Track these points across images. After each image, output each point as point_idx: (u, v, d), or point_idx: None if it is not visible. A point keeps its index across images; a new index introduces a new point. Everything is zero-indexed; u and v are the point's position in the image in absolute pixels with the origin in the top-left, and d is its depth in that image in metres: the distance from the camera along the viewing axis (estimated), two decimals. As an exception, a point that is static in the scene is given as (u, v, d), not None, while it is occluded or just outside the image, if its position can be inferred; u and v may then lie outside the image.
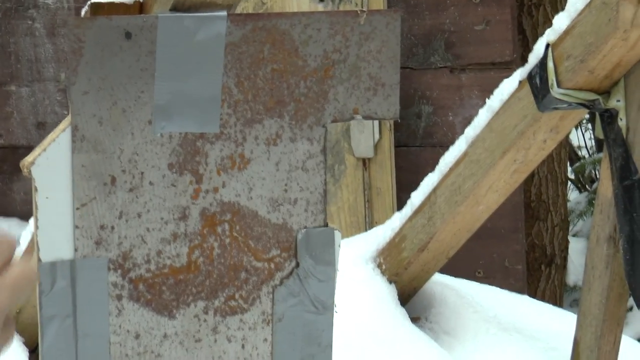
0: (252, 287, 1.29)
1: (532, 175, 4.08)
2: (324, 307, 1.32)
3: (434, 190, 2.04)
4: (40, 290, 1.19)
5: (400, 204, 2.34)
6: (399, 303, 2.23)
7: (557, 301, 4.47)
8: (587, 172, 5.28)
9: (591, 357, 1.78)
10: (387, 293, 2.21)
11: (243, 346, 1.29)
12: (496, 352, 2.14)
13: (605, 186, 1.71)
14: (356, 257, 2.29)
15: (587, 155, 5.37)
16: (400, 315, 2.17)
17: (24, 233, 1.97)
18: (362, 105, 1.27)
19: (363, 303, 2.15)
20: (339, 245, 1.33)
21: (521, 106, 1.82)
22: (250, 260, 1.28)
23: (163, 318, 1.25)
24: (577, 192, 5.49)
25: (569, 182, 5.30)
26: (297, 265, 1.30)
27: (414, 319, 2.30)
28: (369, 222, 3.11)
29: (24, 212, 3.17)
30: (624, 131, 1.65)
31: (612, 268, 1.70)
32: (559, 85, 1.67)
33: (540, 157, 1.92)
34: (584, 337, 1.79)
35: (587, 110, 1.74)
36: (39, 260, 1.18)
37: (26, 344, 1.88)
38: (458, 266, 2.87)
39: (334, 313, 1.34)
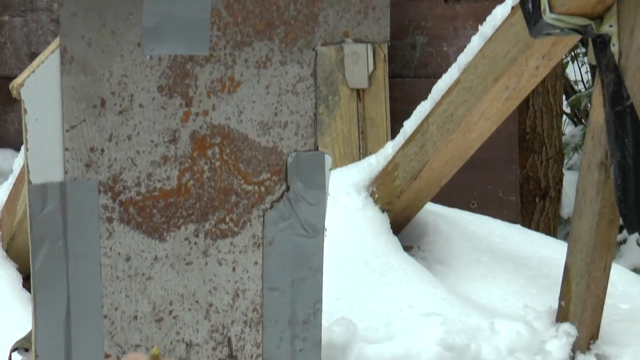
0: (243, 210, 1.29)
1: (526, 107, 4.07)
2: (315, 231, 1.33)
3: (427, 118, 2.03)
4: (31, 212, 1.20)
5: (394, 135, 2.34)
6: (391, 231, 2.23)
7: (550, 233, 4.48)
8: (582, 105, 5.27)
9: (581, 283, 1.79)
10: (379, 221, 2.22)
11: (234, 269, 1.30)
12: (488, 280, 2.15)
13: (597, 112, 1.71)
14: (349, 186, 2.29)
15: (583, 90, 5.36)
16: (392, 243, 2.18)
17: (17, 161, 1.97)
18: (353, 29, 1.27)
19: (355, 231, 2.15)
20: (330, 169, 1.33)
21: (513, 32, 1.81)
22: (241, 183, 1.28)
23: (153, 241, 1.25)
24: (572, 125, 5.48)
25: (565, 116, 5.29)
26: (288, 188, 1.31)
27: (407, 248, 2.30)
28: (363, 153, 3.11)
29: (18, 143, 3.16)
30: (616, 57, 1.64)
31: (603, 194, 1.71)
32: (551, 10, 1.65)
33: (533, 84, 1.91)
34: (575, 264, 1.80)
35: (580, 36, 1.73)
36: (29, 182, 1.18)
37: (20, 270, 1.89)
38: (452, 198, 2.88)
39: (324, 237, 1.34)
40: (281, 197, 1.30)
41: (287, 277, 1.33)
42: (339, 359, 1.66)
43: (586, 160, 1.75)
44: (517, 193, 4.06)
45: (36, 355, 1.24)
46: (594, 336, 1.84)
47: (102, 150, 1.20)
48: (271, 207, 1.30)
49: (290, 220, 1.31)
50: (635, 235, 5.58)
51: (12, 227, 1.83)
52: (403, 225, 2.36)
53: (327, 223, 1.38)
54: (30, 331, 1.29)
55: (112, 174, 1.21)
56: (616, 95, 1.62)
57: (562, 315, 1.84)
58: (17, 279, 1.87)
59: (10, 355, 1.52)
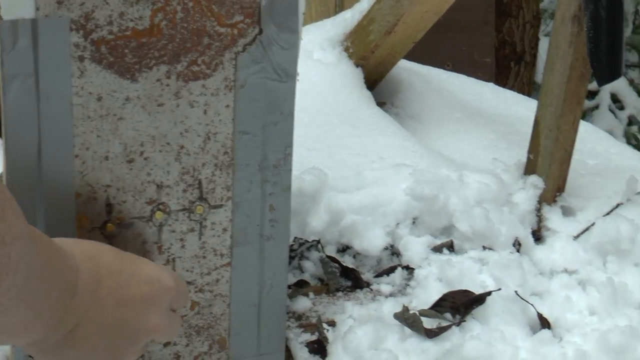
0: (215, 52, 1.29)
1: (505, -31, 4.04)
2: (287, 75, 1.33)
3: (403, -30, 2.03)
4: (2, 48, 1.19)
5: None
6: (365, 87, 2.24)
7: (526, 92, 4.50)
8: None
9: (550, 136, 1.81)
10: (353, 76, 2.22)
11: (205, 111, 1.30)
12: (459, 135, 2.17)
13: (572, -36, 1.70)
14: (324, 40, 2.28)
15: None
16: (366, 98, 2.18)
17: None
18: None
19: (329, 85, 2.16)
20: (303, 13, 1.33)
21: None
22: (214, 25, 1.27)
23: (125, 81, 1.25)
24: (551, -10, 5.46)
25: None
26: (261, 32, 1.30)
27: (380, 104, 2.31)
28: (339, 12, 3.09)
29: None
30: None
31: (575, 47, 1.71)
32: None
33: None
34: (544, 117, 1.81)
35: None
36: (0, 18, 1.17)
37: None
38: (427, 59, 2.88)
39: (297, 82, 1.35)
40: (254, 40, 1.30)
41: (259, 121, 1.34)
42: (309, 206, 1.69)
43: (560, 13, 1.75)
44: (492, 55, 4.06)
45: (8, 193, 1.25)
46: (560, 189, 1.87)
47: (73, -13, 1.19)
48: (244, 50, 1.30)
49: (262, 63, 1.31)
50: (608, 100, 5.61)
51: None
52: (377, 81, 2.36)
53: (300, 71, 1.39)
54: (1, 173, 1.30)
55: (84, 12, 1.21)
56: (591, -53, 1.62)
57: (530, 168, 1.87)
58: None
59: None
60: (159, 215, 1.33)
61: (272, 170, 1.37)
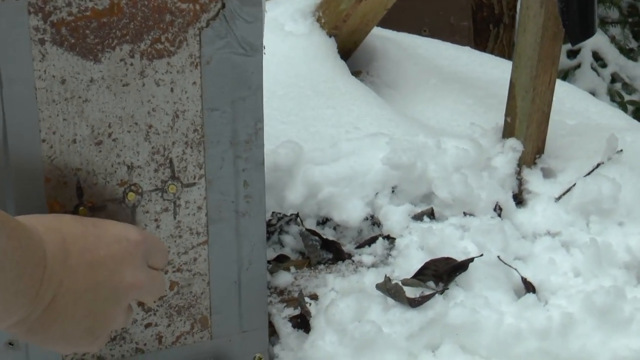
0: (178, 29, 1.26)
1: None
2: (253, 49, 1.31)
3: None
4: (-40, 36, 1.17)
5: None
6: (338, 57, 2.22)
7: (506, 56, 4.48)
8: None
9: (526, 98, 1.79)
10: (326, 47, 2.20)
11: (172, 89, 1.28)
12: (436, 101, 2.16)
13: None
14: (295, 11, 2.26)
15: None
16: (340, 67, 2.16)
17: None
18: None
19: (302, 56, 2.14)
20: (266, -15, 1.30)
21: None
22: (175, 1, 1.25)
23: (88, 62, 1.23)
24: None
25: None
26: (223, 6, 1.28)
27: (355, 73, 2.30)
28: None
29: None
30: None
31: (546, 7, 1.69)
32: None
33: None
34: (519, 79, 1.80)
35: None
36: (-45, 4, 1.15)
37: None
38: (403, 24, 2.85)
39: (263, 55, 1.32)
40: (217, 14, 1.28)
41: (227, 96, 1.31)
42: (285, 180, 1.67)
43: (530, -27, 1.73)
44: (470, 18, 4.03)
45: (-25, 182, 1.23)
46: (540, 150, 1.86)
47: (29, -32, 1.17)
48: (207, 25, 1.28)
49: (227, 38, 1.29)
50: (590, 59, 5.59)
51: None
52: (351, 50, 2.34)
53: (272, 44, 1.37)
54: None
55: (41, -7, 1.18)
56: None
57: (508, 131, 1.85)
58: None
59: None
60: (131, 196, 1.31)
61: (243, 146, 1.35)
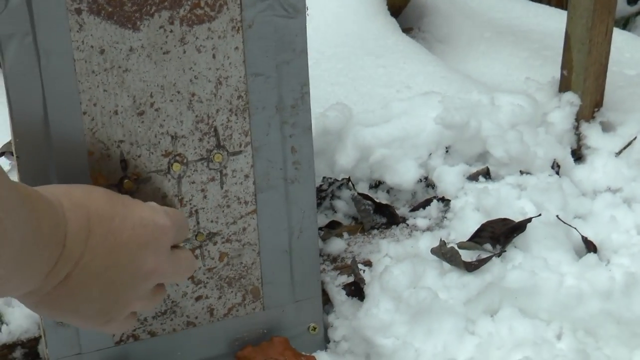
0: (218, -7, 1.23)
1: None
2: (295, 10, 1.26)
3: None
4: (-6, 8, 1.14)
5: None
6: (388, 14, 2.16)
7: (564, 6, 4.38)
8: None
9: (582, 50, 1.73)
10: (376, 4, 2.15)
11: (214, 56, 1.24)
12: (490, 55, 2.10)
13: None
14: (343, -32, 2.21)
15: None
16: (390, 25, 2.11)
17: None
18: None
19: (352, 15, 2.09)
20: (307, -57, 1.26)
21: None
22: (213, -36, 1.21)
23: (127, 31, 1.20)
24: None
25: None
26: (264, -33, 1.24)
27: (406, 30, 2.24)
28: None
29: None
30: None
31: (602, -46, 1.63)
32: None
33: None
34: (575, 30, 1.73)
35: None
36: (-13, -25, 1.12)
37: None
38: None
39: (306, 16, 1.28)
40: (257, -24, 1.24)
41: (271, 60, 1.27)
42: (335, 144, 1.63)
43: None
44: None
45: (17, 157, 1.21)
46: (598, 104, 1.79)
47: (62, -63, 1.13)
48: (248, -13, 1.23)
49: (268, 0, 1.24)
50: (649, 5, 5.45)
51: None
52: (401, 7, 2.29)
53: (320, 2, 1.32)
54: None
55: (75, -38, 1.15)
56: None
57: (564, 85, 1.79)
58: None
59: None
60: (176, 167, 1.28)
61: (290, 111, 1.31)
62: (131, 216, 1.02)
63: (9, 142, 1.55)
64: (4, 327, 1.40)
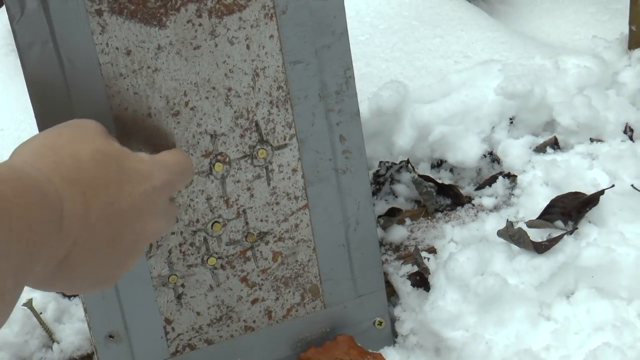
0: (246, -21, 1.15)
1: None
2: (332, -9, 1.18)
3: None
4: (11, 17, 1.08)
5: None
6: (445, -22, 2.06)
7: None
8: None
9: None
10: (431, -31, 2.05)
11: (248, 46, 1.17)
12: (555, 13, 1.99)
13: None
14: None
15: None
16: (447, -9, 2.01)
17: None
18: None
19: (405, -17, 1.99)
20: None
21: None
22: (239, -50, 1.13)
23: (153, 28, 1.13)
24: None
25: None
26: (293, -53, 1.16)
27: (466, -7, 2.14)
28: None
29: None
30: None
31: None
32: None
33: None
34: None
35: None
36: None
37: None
38: None
39: (346, -5, 1.20)
40: (287, -42, 1.16)
41: (309, 46, 1.19)
42: (392, 125, 1.54)
43: None
44: None
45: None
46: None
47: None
48: (277, -29, 1.16)
49: (301, -17, 1.16)
50: None
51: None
52: (460, -31, 2.17)
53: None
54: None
55: (90, -39, 1.08)
56: None
57: (634, 41, 1.68)
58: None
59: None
60: (218, 167, 1.21)
61: (334, 98, 1.23)
62: (127, 180, 0.94)
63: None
64: (55, 345, 1.35)
